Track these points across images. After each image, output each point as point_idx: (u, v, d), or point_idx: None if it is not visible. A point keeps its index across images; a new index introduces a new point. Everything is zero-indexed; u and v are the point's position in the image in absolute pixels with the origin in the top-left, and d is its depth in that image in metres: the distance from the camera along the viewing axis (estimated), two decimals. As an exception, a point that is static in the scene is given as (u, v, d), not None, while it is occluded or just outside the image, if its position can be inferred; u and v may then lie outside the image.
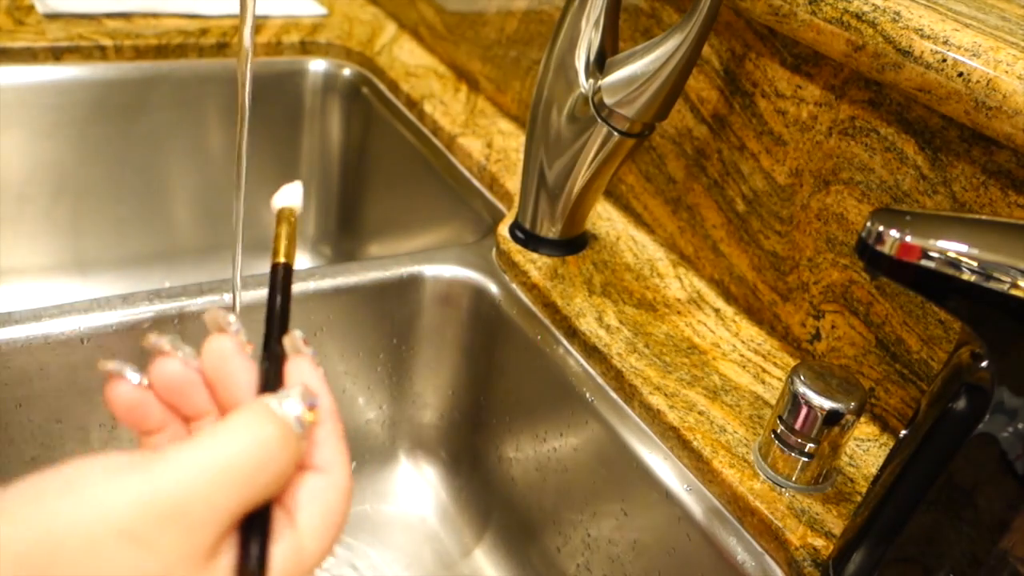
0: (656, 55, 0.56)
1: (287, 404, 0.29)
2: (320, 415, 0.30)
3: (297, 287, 0.63)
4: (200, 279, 0.62)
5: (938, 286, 0.34)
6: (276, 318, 0.34)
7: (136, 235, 0.94)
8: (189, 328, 0.59)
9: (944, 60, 0.46)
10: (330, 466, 0.30)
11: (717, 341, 0.62)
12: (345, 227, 1.02)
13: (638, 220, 0.73)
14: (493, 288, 0.67)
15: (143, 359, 0.32)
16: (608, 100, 0.59)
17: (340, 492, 0.30)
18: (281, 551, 0.28)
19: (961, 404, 0.38)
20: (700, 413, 0.55)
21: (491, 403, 0.69)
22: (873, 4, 0.49)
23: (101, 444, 0.62)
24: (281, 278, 0.35)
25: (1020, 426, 0.36)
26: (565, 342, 0.62)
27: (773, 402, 0.57)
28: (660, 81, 0.57)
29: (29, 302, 0.76)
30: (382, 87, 0.94)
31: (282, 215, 0.38)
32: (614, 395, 0.59)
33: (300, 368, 0.31)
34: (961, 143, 0.49)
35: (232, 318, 0.31)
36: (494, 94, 0.89)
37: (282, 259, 0.36)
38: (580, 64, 0.60)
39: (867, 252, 0.34)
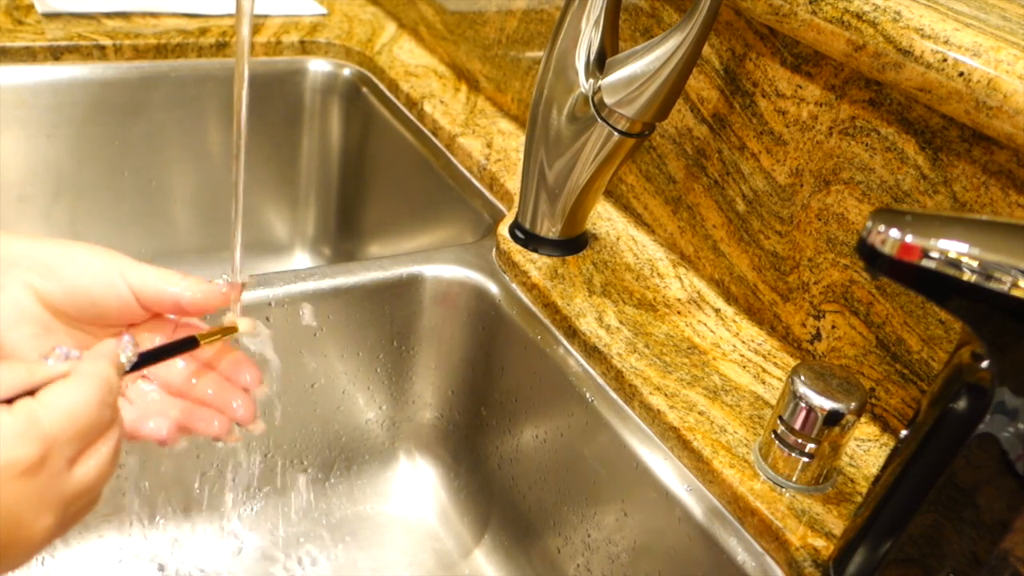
0: (656, 55, 0.56)
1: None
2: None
3: (297, 287, 0.63)
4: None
5: (938, 286, 0.34)
6: (149, 355, 0.41)
7: (135, 235, 0.94)
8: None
9: (945, 60, 0.46)
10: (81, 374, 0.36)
11: (717, 341, 0.62)
12: (345, 227, 1.02)
13: (638, 220, 0.73)
14: (493, 288, 0.67)
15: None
16: (608, 100, 0.59)
17: (84, 387, 0.35)
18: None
19: (962, 404, 0.38)
20: (700, 413, 0.55)
21: (491, 403, 0.69)
22: (874, 4, 0.49)
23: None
24: (183, 342, 0.42)
25: (1021, 426, 0.36)
26: (565, 342, 0.62)
27: (773, 402, 0.57)
28: (660, 81, 0.57)
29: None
30: (382, 87, 0.94)
31: (232, 328, 0.45)
32: (614, 395, 0.59)
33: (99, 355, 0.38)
34: (962, 143, 0.49)
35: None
36: (494, 94, 0.89)
37: (200, 339, 0.43)
38: (580, 64, 0.60)
39: (868, 252, 0.34)
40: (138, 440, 0.42)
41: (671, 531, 0.54)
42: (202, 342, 0.43)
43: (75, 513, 0.36)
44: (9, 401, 0.34)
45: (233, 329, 0.45)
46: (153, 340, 0.44)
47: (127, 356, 0.39)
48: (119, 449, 0.37)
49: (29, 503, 0.33)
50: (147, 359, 0.40)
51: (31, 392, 0.34)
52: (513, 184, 0.76)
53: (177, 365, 0.44)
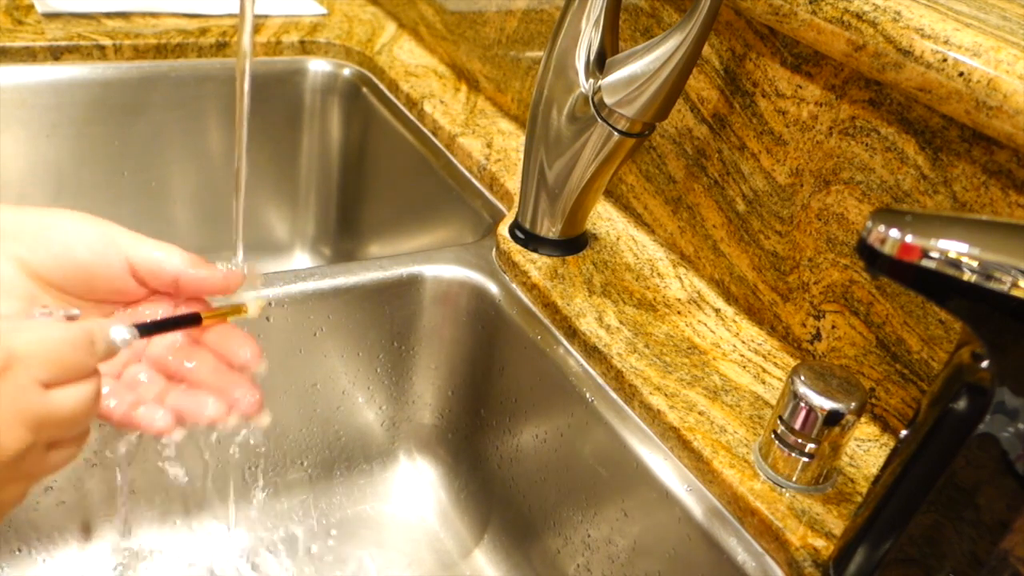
0: (656, 55, 0.56)
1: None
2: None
3: (297, 287, 0.63)
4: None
5: (938, 286, 0.34)
6: (161, 322, 0.40)
7: (136, 235, 0.93)
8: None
9: (945, 60, 0.46)
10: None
11: (717, 341, 0.62)
12: (345, 227, 1.02)
13: (638, 220, 0.73)
14: (493, 288, 0.67)
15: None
16: (608, 100, 0.59)
17: (60, 328, 0.35)
18: None
19: (962, 404, 0.38)
20: (700, 413, 0.55)
21: (491, 403, 0.69)
22: (874, 4, 0.49)
23: (100, 442, 0.62)
24: (184, 317, 0.41)
25: (1021, 426, 0.36)
26: (565, 342, 0.62)
27: (773, 402, 0.57)
28: (660, 81, 0.57)
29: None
30: (382, 87, 0.94)
31: (240, 309, 0.44)
32: (614, 395, 0.59)
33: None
34: (962, 143, 0.49)
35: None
36: (494, 94, 0.89)
37: (203, 315, 0.41)
38: (580, 64, 0.60)
39: (868, 252, 0.34)
40: (132, 429, 0.41)
41: (671, 531, 0.54)
42: (205, 320, 0.41)
43: (57, 442, 0.36)
44: None
45: (241, 310, 0.43)
46: (155, 315, 0.42)
47: (122, 337, 0.37)
48: (100, 392, 0.37)
49: None
50: (146, 330, 0.39)
51: None
52: (513, 184, 0.76)
53: (175, 344, 0.43)
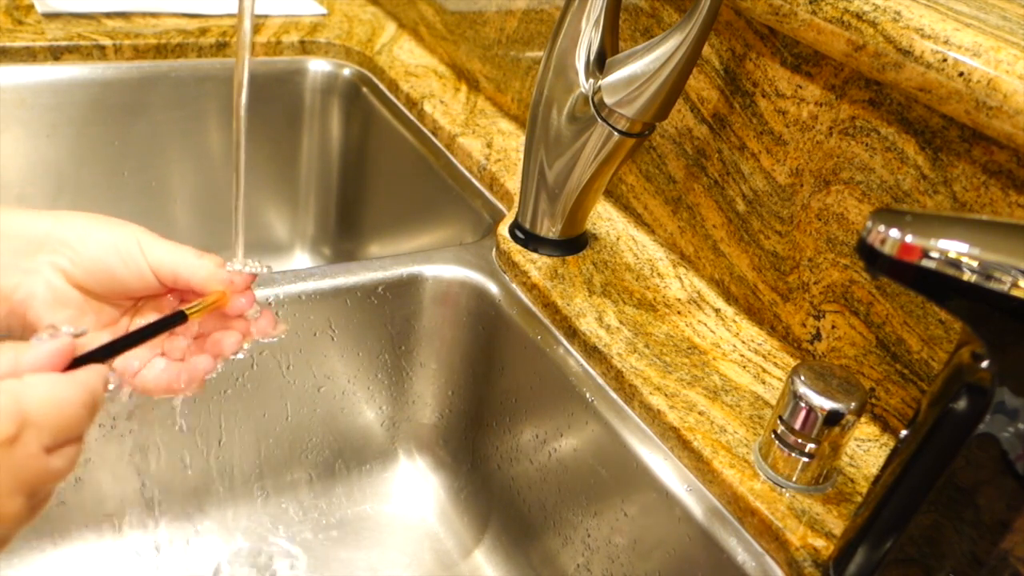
0: (656, 55, 0.56)
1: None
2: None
3: (297, 287, 0.63)
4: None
5: (938, 286, 0.34)
6: (134, 336, 0.40)
7: (136, 235, 0.93)
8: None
9: (945, 60, 0.46)
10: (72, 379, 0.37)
11: (717, 341, 0.62)
12: (345, 227, 1.02)
13: (638, 220, 0.73)
14: (493, 288, 0.67)
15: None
16: (608, 100, 0.59)
17: (71, 385, 0.35)
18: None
19: (962, 404, 0.38)
20: (700, 413, 0.55)
21: (491, 403, 0.69)
22: (874, 4, 0.49)
23: (101, 441, 0.62)
24: (170, 318, 0.41)
25: (1021, 426, 0.36)
26: (565, 342, 0.62)
27: (773, 402, 0.57)
28: (660, 81, 0.57)
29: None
30: (382, 87, 0.94)
31: (220, 298, 0.44)
32: (614, 395, 0.59)
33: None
34: (962, 143, 0.49)
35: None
36: (494, 94, 0.89)
37: (187, 311, 0.42)
38: (580, 64, 0.60)
39: (868, 252, 0.34)
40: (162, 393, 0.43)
41: (671, 531, 0.54)
42: (190, 314, 0.42)
43: (38, 503, 0.36)
44: None
45: (221, 299, 0.44)
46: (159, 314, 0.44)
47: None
48: (79, 457, 0.37)
49: (0, 477, 0.33)
50: (137, 338, 0.40)
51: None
52: (513, 184, 0.76)
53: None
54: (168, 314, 0.42)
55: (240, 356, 0.45)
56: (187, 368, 0.43)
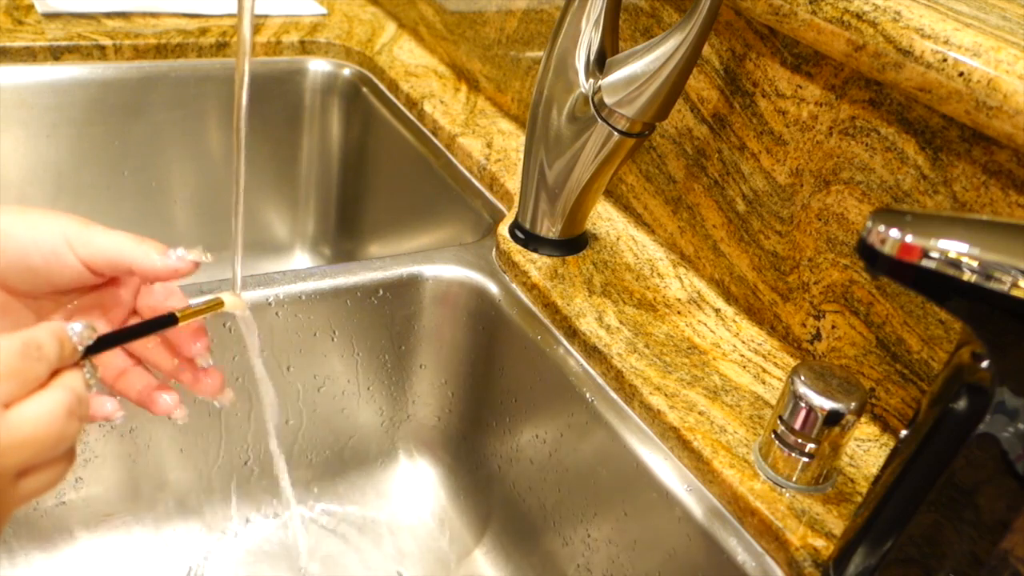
0: (656, 55, 0.56)
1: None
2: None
3: (297, 287, 0.63)
4: (199, 279, 0.62)
5: (938, 286, 0.34)
6: (125, 333, 0.39)
7: (135, 235, 0.93)
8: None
9: (945, 60, 0.46)
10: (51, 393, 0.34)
11: (717, 341, 0.62)
12: (345, 227, 1.02)
13: (638, 220, 0.73)
14: (493, 288, 0.67)
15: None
16: (608, 100, 0.59)
17: (53, 398, 0.33)
18: None
19: (962, 404, 0.38)
20: (700, 413, 0.55)
21: (491, 403, 0.69)
22: (874, 4, 0.49)
23: (101, 441, 0.62)
24: (160, 319, 0.40)
25: (1021, 426, 0.36)
26: (565, 342, 0.62)
27: (773, 402, 0.57)
28: (660, 81, 0.57)
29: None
30: (382, 87, 0.94)
31: (216, 304, 0.43)
32: (614, 395, 0.59)
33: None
34: (962, 143, 0.49)
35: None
36: (494, 94, 0.89)
37: (179, 314, 0.41)
38: (580, 64, 0.60)
39: (868, 252, 0.34)
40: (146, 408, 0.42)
41: (671, 531, 0.54)
42: (180, 317, 0.41)
43: (30, 469, 0.34)
44: None
45: (218, 305, 0.43)
46: (121, 311, 0.42)
47: (82, 341, 0.36)
48: (68, 404, 0.34)
49: None
50: (122, 337, 0.39)
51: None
52: (513, 184, 0.76)
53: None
54: (157, 316, 0.41)
55: (179, 421, 0.43)
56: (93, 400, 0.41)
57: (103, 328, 0.41)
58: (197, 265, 0.42)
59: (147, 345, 0.43)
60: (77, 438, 0.35)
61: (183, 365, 0.43)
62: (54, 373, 0.34)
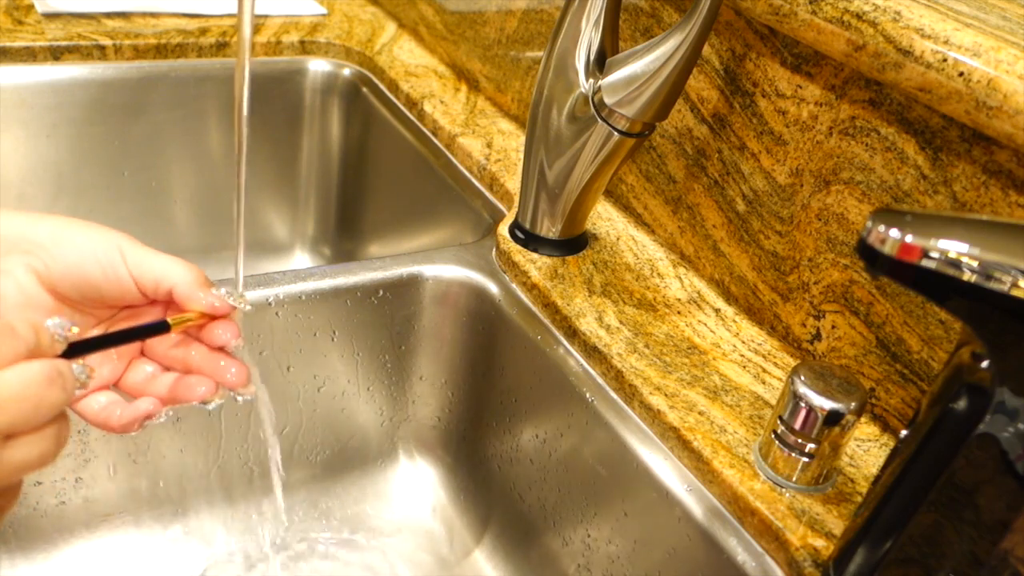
0: (656, 55, 0.56)
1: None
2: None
3: (297, 287, 0.63)
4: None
5: (938, 286, 0.34)
6: (112, 338, 0.39)
7: (135, 235, 0.93)
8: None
9: (945, 60, 0.46)
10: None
11: (717, 341, 0.62)
12: (345, 227, 1.02)
13: (638, 220, 0.73)
14: (493, 288, 0.67)
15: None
16: (608, 100, 0.59)
17: (30, 365, 0.33)
18: None
19: (962, 404, 0.38)
20: (700, 413, 0.55)
21: (491, 403, 0.69)
22: (874, 4, 0.49)
23: (101, 441, 0.62)
24: (152, 325, 0.41)
25: (1021, 426, 0.36)
26: (565, 342, 0.62)
27: (773, 402, 0.57)
28: (660, 81, 0.57)
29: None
30: (382, 87, 0.94)
31: (203, 314, 0.43)
32: (614, 395, 0.59)
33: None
34: (962, 143, 0.49)
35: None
36: (494, 94, 0.89)
37: (171, 322, 0.41)
38: (580, 64, 0.60)
39: (868, 252, 0.34)
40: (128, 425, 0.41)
41: (671, 531, 0.54)
42: (173, 324, 0.41)
43: (13, 433, 0.33)
44: None
45: (209, 315, 0.43)
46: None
47: (59, 335, 0.36)
48: (50, 368, 0.34)
49: None
50: (114, 340, 0.39)
51: None
52: (513, 184, 0.76)
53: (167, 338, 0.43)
54: (150, 321, 0.41)
55: (212, 407, 0.43)
56: (128, 407, 0.41)
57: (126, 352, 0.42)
58: (233, 309, 0.42)
59: (168, 352, 0.43)
60: (61, 408, 0.34)
61: (208, 357, 0.43)
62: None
